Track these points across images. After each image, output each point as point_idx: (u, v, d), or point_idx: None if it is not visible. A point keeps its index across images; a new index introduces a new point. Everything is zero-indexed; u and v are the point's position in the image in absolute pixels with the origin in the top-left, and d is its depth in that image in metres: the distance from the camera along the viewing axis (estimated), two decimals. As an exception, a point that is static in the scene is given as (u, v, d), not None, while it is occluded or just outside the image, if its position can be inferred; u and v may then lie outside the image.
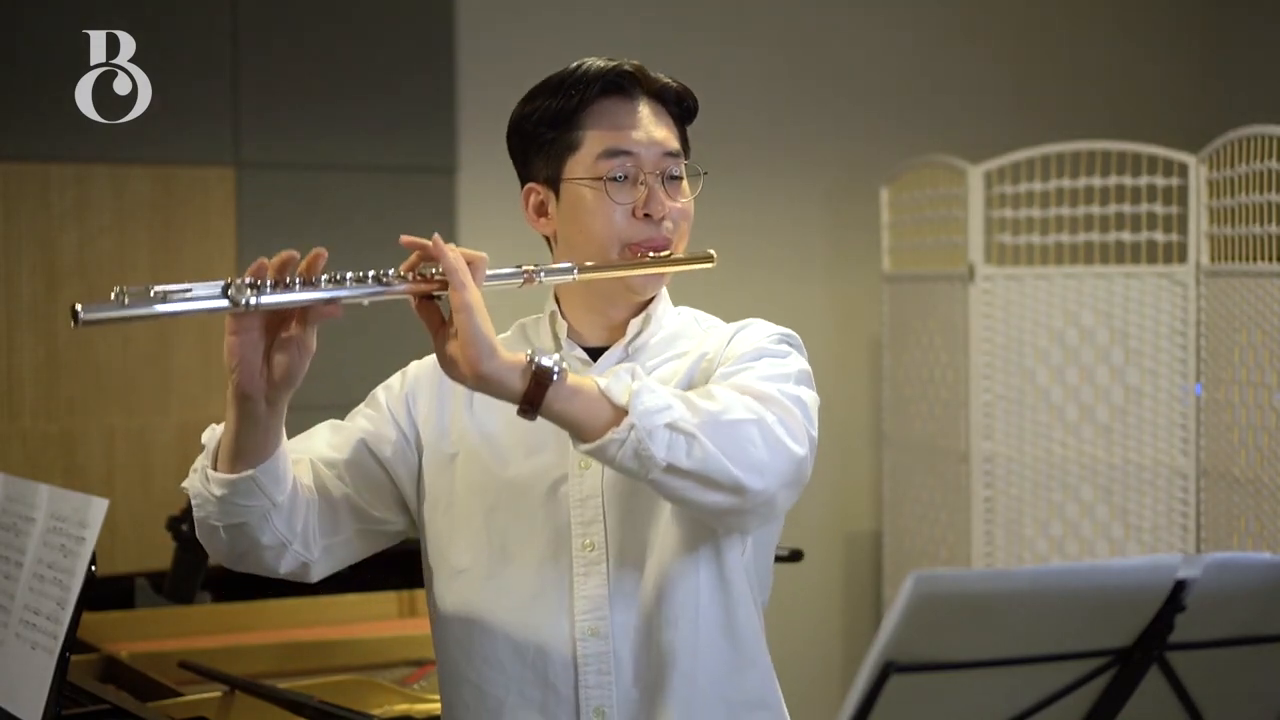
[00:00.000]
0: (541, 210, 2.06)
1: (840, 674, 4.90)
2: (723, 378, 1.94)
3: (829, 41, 4.93)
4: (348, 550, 2.06)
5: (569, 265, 1.95)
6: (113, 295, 1.71)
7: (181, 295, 1.73)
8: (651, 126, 2.02)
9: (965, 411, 4.19)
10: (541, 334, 2.11)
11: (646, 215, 1.99)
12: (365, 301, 1.82)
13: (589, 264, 1.97)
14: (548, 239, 2.10)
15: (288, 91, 4.31)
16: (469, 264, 1.83)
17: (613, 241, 1.99)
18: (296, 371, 1.84)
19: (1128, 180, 4.14)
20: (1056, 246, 4.22)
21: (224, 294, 1.74)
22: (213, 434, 1.95)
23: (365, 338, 4.41)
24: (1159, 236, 4.08)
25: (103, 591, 3.02)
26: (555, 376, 1.76)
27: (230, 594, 3.24)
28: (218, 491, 1.89)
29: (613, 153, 1.99)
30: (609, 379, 1.80)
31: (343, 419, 2.12)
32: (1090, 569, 1.38)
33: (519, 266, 1.91)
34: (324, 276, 1.79)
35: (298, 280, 1.78)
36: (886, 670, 1.32)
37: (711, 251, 2.05)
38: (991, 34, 5.10)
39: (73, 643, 2.04)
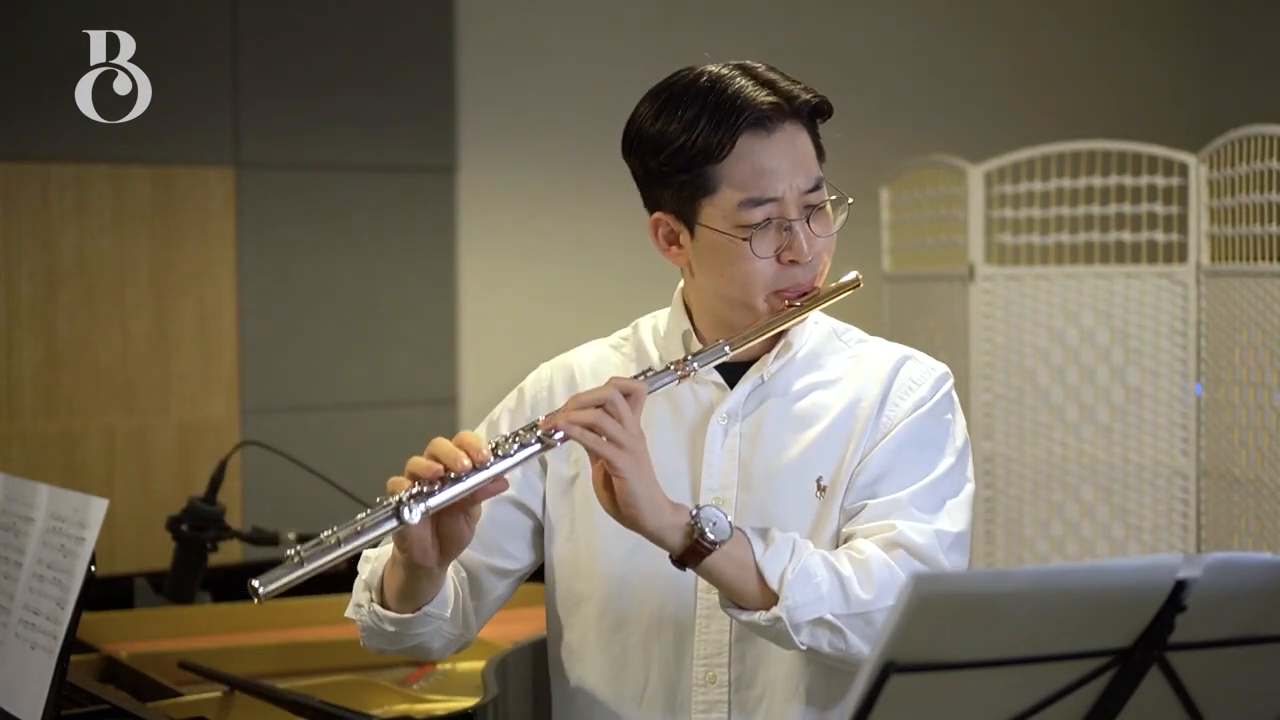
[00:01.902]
0: (673, 240, 1.95)
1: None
2: (875, 477, 1.88)
3: (829, 41, 4.93)
4: (497, 603, 2.06)
5: (720, 345, 1.89)
6: (287, 557, 1.71)
7: (355, 534, 1.72)
8: (793, 163, 1.88)
9: (965, 411, 4.18)
10: (670, 347, 2.00)
11: (792, 261, 1.89)
12: (530, 462, 1.82)
13: (737, 336, 1.90)
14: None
15: (288, 91, 4.31)
16: (627, 396, 1.79)
17: (758, 290, 1.90)
18: (467, 539, 1.83)
19: (1128, 180, 4.13)
20: (1056, 246, 4.21)
21: (396, 516, 1.73)
22: (372, 571, 1.94)
23: (367, 339, 4.41)
24: (1159, 236, 4.08)
25: (102, 591, 3.02)
26: (713, 546, 1.75)
27: (230, 594, 3.24)
28: (390, 628, 1.92)
29: (756, 201, 1.86)
30: (768, 549, 1.78)
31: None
32: (1090, 569, 1.38)
33: (670, 366, 1.86)
34: (489, 457, 1.77)
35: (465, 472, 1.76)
36: (886, 670, 1.32)
37: (857, 275, 1.98)
38: (991, 34, 5.10)
39: (72, 643, 2.04)
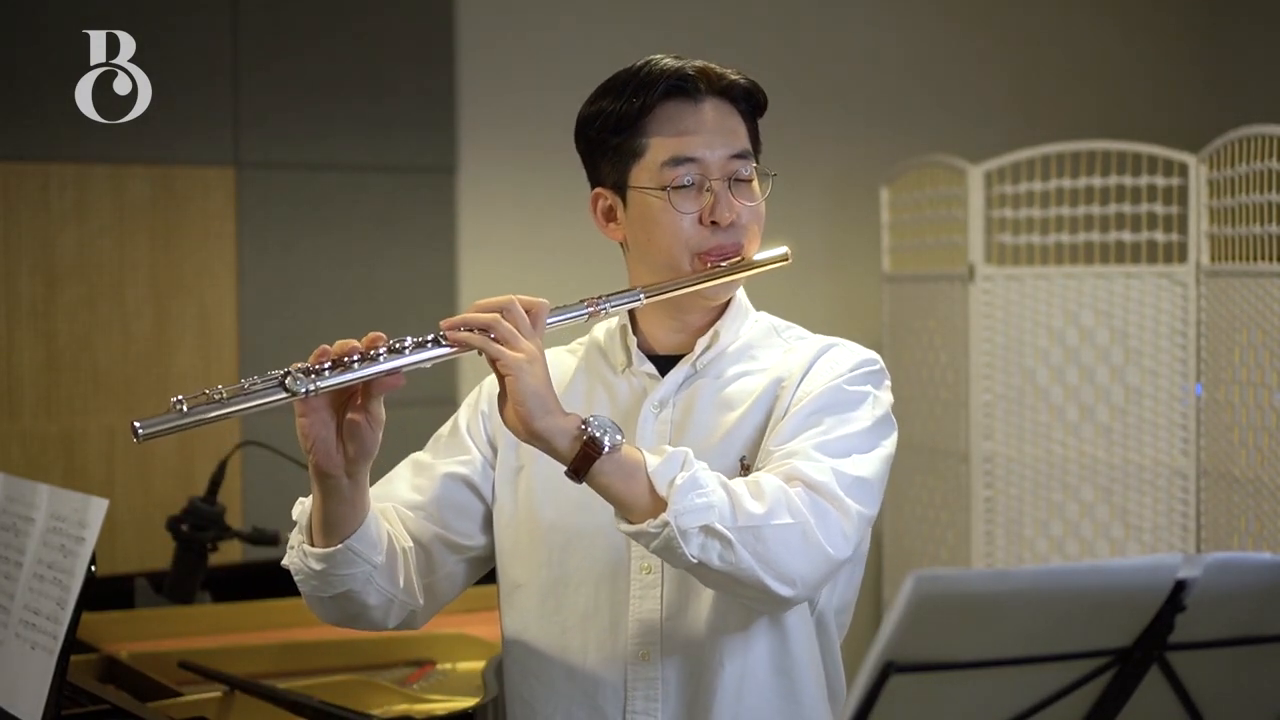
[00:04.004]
0: (610, 215, 2.02)
1: (840, 674, 4.89)
2: (787, 436, 1.90)
3: (829, 41, 4.93)
4: (449, 584, 2.06)
5: (635, 291, 1.94)
6: (171, 405, 1.74)
7: (240, 396, 1.76)
8: (717, 129, 1.96)
9: (965, 411, 4.19)
10: (613, 343, 2.07)
11: (714, 222, 1.95)
12: (428, 365, 1.84)
13: (654, 286, 1.95)
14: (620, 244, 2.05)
15: (288, 91, 4.31)
16: (529, 312, 1.83)
17: (682, 251, 1.96)
18: (371, 443, 1.86)
19: (1128, 180, 4.13)
20: (1056, 246, 4.21)
21: (281, 385, 1.78)
22: (302, 509, 1.96)
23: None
24: (1159, 236, 4.08)
25: (103, 591, 3.02)
26: (604, 450, 1.76)
27: (230, 594, 3.24)
28: (317, 566, 1.91)
29: (677, 160, 1.94)
30: (660, 460, 1.79)
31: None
32: (1090, 569, 1.38)
33: (583, 301, 1.91)
34: (383, 349, 1.81)
35: (356, 358, 1.79)
36: (886, 670, 1.32)
37: (785, 249, 2.00)
38: (991, 34, 5.10)
39: (72, 643, 2.04)
